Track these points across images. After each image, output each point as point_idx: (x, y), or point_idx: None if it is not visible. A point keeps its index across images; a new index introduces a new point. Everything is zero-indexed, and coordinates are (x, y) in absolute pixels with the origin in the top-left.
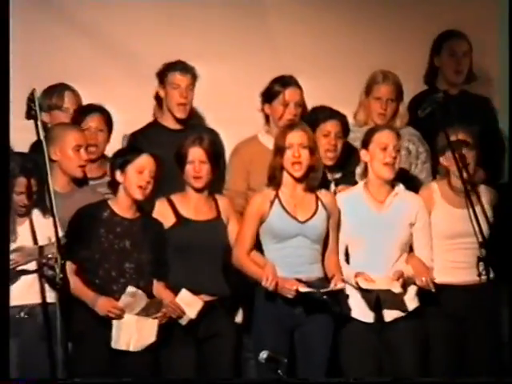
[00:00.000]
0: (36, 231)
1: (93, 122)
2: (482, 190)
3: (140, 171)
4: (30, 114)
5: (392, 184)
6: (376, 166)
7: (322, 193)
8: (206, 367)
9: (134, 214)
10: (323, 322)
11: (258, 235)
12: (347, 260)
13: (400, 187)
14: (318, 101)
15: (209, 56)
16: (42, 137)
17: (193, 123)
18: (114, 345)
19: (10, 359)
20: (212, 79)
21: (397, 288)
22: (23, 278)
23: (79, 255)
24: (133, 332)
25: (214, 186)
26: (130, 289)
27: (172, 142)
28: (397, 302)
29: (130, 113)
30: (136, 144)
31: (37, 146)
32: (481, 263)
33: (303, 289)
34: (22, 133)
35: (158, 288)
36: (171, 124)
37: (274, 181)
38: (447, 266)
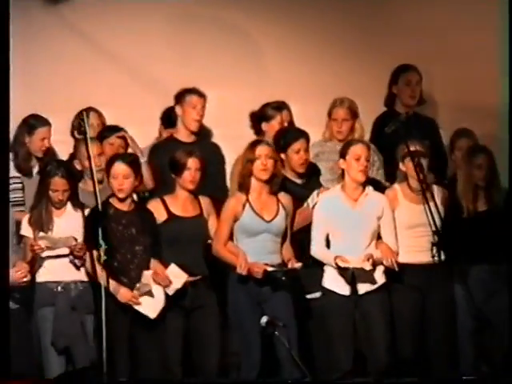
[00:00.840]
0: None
1: (118, 140)
2: (436, 189)
3: (114, 177)
4: (81, 131)
5: (363, 186)
6: (352, 173)
7: (281, 195)
8: (193, 333)
9: (129, 207)
10: (283, 297)
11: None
12: (328, 246)
13: (370, 189)
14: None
15: (211, 82)
16: (90, 148)
17: (201, 138)
18: (152, 316)
19: (46, 325)
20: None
21: (367, 266)
22: (61, 260)
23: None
24: (155, 303)
25: (212, 187)
26: (146, 273)
27: (188, 152)
28: (368, 277)
29: (144, 128)
30: (156, 154)
31: (73, 157)
32: (434, 247)
33: (270, 268)
34: (62, 145)
35: (155, 264)
36: (184, 138)
37: (244, 186)
38: (409, 250)
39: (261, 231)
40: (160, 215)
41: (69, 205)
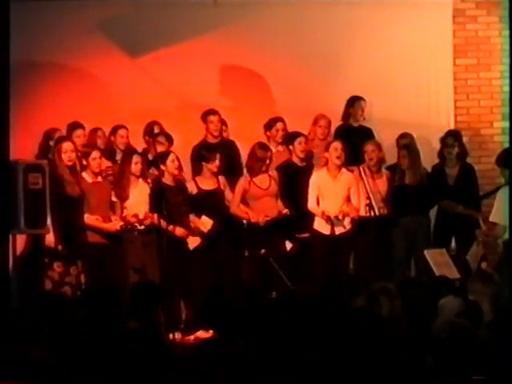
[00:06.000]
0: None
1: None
2: (385, 171)
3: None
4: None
5: (339, 167)
6: (333, 159)
7: (271, 171)
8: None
9: (174, 184)
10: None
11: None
12: (318, 204)
13: (343, 169)
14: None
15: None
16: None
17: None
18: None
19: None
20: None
21: (340, 217)
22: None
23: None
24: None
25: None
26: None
27: (211, 149)
28: (341, 223)
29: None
30: (202, 151)
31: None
32: (367, 207)
33: (268, 218)
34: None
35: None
36: (211, 140)
37: (252, 170)
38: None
39: (262, 196)
40: (193, 190)
41: (140, 180)
